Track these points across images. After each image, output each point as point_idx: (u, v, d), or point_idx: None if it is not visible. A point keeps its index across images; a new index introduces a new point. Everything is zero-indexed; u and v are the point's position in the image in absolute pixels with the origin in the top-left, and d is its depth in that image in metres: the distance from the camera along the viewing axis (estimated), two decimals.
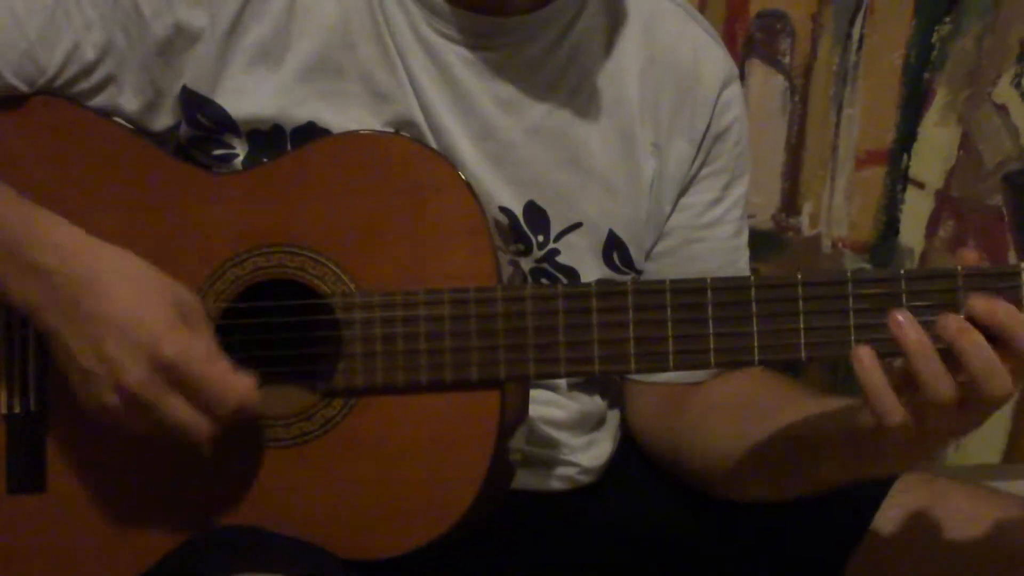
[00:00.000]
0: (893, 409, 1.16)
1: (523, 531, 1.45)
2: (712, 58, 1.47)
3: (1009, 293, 1.19)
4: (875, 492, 1.42)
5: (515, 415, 1.30)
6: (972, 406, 1.17)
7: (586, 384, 1.47)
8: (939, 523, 1.39)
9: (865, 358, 1.17)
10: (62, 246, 1.25)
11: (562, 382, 1.44)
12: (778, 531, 1.45)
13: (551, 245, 1.41)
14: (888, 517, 1.42)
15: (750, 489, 1.40)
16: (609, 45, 1.42)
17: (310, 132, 1.34)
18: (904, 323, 1.17)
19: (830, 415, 1.28)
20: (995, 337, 1.16)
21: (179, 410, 1.22)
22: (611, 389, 1.52)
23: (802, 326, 1.22)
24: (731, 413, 1.40)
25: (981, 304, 1.17)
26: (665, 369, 1.26)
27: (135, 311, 1.22)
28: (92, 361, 1.22)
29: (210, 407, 1.22)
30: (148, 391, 1.21)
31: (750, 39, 1.88)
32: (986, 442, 2.03)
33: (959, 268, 1.20)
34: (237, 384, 1.23)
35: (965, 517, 1.39)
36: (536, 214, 1.40)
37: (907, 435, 1.18)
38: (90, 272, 1.24)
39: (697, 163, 1.45)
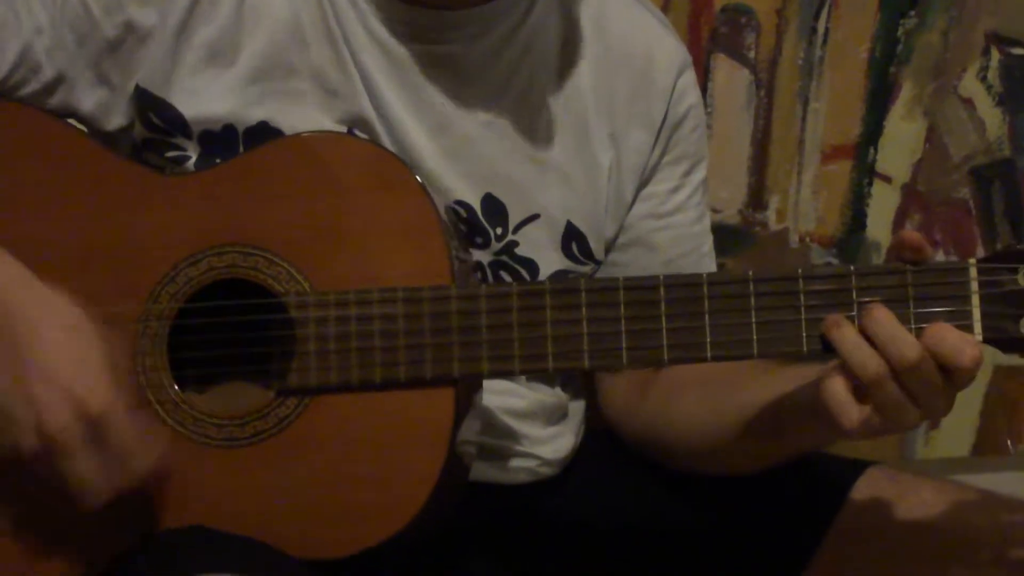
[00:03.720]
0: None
1: (485, 524, 1.46)
2: (665, 47, 1.47)
3: (957, 289, 1.20)
4: (839, 487, 1.43)
5: (464, 408, 1.31)
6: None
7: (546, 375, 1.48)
8: (904, 516, 1.40)
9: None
10: None
11: None
12: (742, 525, 1.45)
13: (510, 237, 1.41)
14: (853, 511, 1.42)
15: (728, 460, 1.40)
16: (562, 38, 1.42)
17: (262, 132, 1.34)
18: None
19: (799, 387, 1.28)
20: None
21: (87, 467, 1.17)
22: (573, 381, 1.52)
23: (754, 321, 1.23)
24: (699, 388, 1.40)
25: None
26: (618, 367, 1.27)
27: (70, 358, 1.17)
28: (15, 401, 1.17)
29: (124, 466, 1.18)
30: (67, 439, 1.16)
31: (715, 33, 1.87)
32: (955, 436, 2.04)
33: (907, 265, 1.21)
34: (154, 445, 1.20)
35: (930, 510, 1.39)
36: (494, 206, 1.40)
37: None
38: (23, 313, 1.19)
39: (656, 152, 1.46)
